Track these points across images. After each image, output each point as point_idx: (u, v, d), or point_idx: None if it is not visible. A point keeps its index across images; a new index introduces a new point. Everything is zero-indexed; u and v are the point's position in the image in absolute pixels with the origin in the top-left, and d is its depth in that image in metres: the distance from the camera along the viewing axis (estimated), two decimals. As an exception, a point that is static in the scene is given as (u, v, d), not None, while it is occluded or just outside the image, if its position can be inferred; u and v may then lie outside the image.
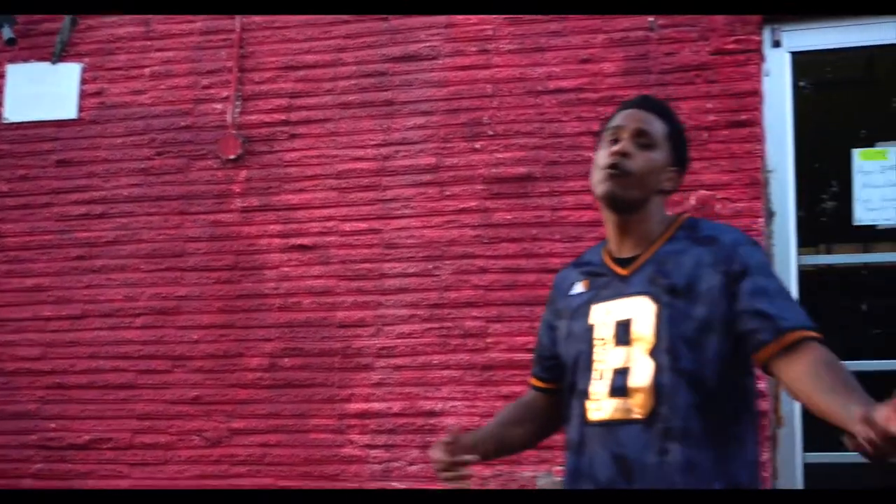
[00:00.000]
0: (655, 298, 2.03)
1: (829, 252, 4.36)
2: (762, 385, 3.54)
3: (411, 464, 3.97)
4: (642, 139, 2.12)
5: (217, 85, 4.52)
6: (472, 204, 4.14)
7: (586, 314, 2.13)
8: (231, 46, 4.53)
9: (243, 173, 4.40)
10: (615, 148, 2.11)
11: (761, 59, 3.99)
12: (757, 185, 3.87)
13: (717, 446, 1.97)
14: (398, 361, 4.08)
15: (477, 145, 4.18)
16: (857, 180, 3.87)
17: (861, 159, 3.88)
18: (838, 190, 3.89)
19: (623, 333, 2.05)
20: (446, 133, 4.23)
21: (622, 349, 2.04)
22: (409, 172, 4.23)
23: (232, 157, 4.41)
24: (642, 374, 2.00)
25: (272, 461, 4.13)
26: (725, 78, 3.99)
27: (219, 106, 4.49)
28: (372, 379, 4.09)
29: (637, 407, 1.99)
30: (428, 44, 4.33)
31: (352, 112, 4.35)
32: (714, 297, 1.99)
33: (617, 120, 2.18)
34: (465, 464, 2.09)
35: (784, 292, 2.00)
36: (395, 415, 4.03)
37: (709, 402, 1.97)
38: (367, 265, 4.19)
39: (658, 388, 1.98)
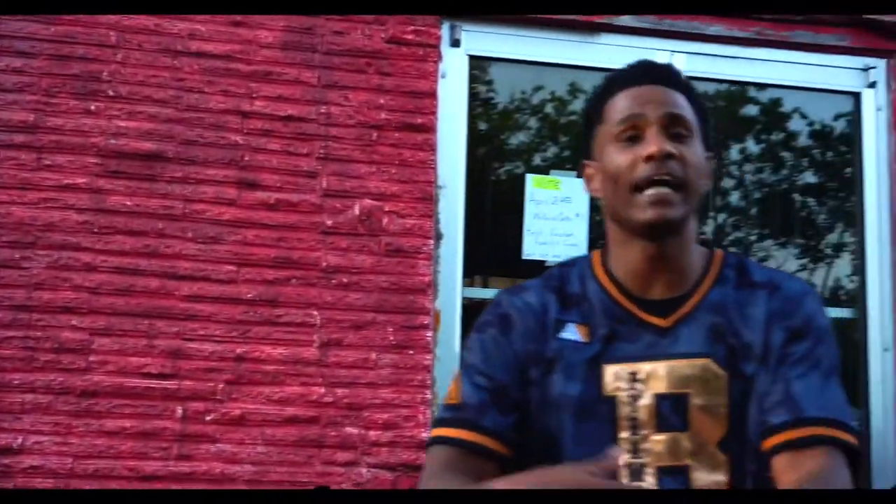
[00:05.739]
0: (723, 364, 1.46)
1: (485, 285, 3.92)
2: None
3: (-26, 516, 3.04)
4: (676, 128, 1.48)
5: None
6: (81, 181, 3.27)
7: (594, 377, 1.49)
8: None
9: None
10: (653, 149, 1.44)
11: (439, 57, 3.54)
12: (429, 200, 3.42)
13: None
14: (-37, 377, 3.12)
15: (92, 106, 3.32)
16: (529, 210, 3.55)
17: (534, 186, 3.56)
18: (510, 217, 3.53)
19: (673, 414, 1.45)
20: (50, 84, 3.31)
21: (672, 437, 1.45)
22: (-5, 128, 3.26)
23: None
24: (713, 476, 1.44)
25: None
26: (401, 72, 3.48)
27: None
28: (-77, 399, 3.09)
29: None
30: (34, -35, 3.37)
31: (-81, 37, 3.28)
32: (773, 359, 1.48)
33: (630, 104, 1.49)
34: None
35: (835, 369, 1.50)
36: (-45, 449, 3.07)
37: None
38: (-74, 244, 3.17)
39: None
